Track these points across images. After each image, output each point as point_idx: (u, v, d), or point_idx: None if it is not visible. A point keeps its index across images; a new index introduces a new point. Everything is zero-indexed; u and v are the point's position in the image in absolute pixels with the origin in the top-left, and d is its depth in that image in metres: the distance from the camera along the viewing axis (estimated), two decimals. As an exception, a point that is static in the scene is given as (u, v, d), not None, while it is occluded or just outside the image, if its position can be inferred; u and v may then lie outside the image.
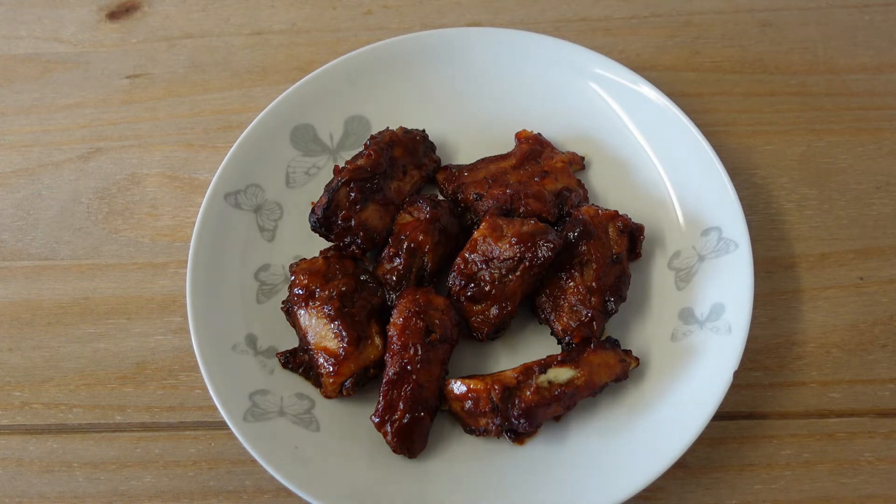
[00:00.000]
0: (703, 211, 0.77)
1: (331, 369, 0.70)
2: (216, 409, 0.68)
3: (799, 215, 0.83)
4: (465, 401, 0.68)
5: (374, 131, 0.82)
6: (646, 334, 0.75)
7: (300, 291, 0.72)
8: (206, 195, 0.76)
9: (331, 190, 0.74)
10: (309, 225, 0.75)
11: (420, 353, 0.68)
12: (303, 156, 0.83)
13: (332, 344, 0.70)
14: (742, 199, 0.76)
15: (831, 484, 0.71)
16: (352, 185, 0.74)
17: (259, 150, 0.80)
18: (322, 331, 0.71)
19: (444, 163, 0.83)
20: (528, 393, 0.67)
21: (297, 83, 0.82)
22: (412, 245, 0.74)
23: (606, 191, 0.82)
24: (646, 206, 0.79)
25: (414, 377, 0.68)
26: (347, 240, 0.74)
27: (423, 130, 0.82)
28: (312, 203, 0.77)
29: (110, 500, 0.72)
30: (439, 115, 0.85)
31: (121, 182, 0.87)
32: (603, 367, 0.69)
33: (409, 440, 0.68)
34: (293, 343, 0.74)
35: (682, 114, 0.79)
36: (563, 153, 0.81)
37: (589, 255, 0.73)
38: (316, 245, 0.77)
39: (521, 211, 0.76)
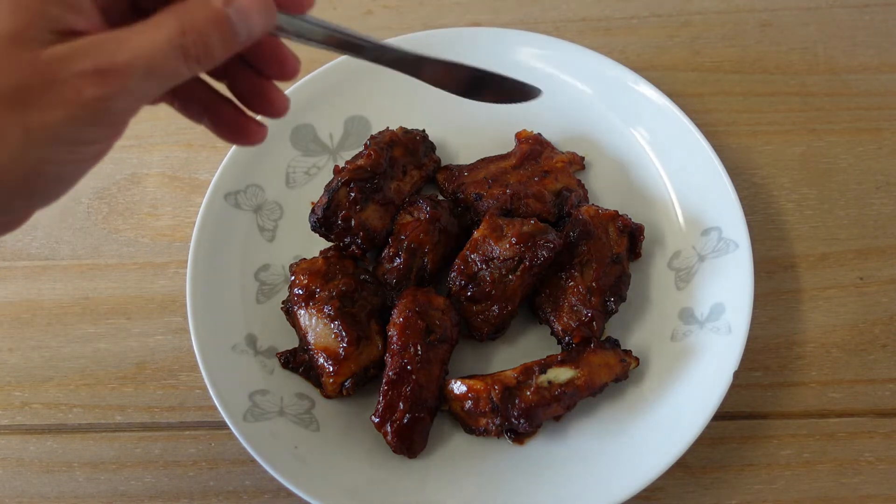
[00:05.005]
0: (703, 211, 0.77)
1: (331, 369, 0.70)
2: (216, 409, 0.68)
3: (799, 215, 0.83)
4: (465, 401, 0.68)
5: (374, 131, 0.82)
6: (646, 334, 0.75)
7: (300, 291, 0.72)
8: (206, 195, 0.76)
9: (331, 190, 0.74)
10: (309, 225, 0.75)
11: (420, 353, 0.68)
12: (303, 156, 0.83)
13: (332, 344, 0.70)
14: (742, 199, 0.75)
15: (831, 484, 0.71)
16: (352, 185, 0.74)
17: (259, 150, 0.80)
18: (322, 331, 0.71)
19: (444, 163, 0.83)
20: (528, 393, 0.67)
21: (297, 83, 0.82)
22: (412, 245, 0.74)
23: (606, 191, 0.82)
24: (646, 206, 0.79)
25: (414, 377, 0.68)
26: (347, 240, 0.74)
27: (423, 130, 0.82)
28: (312, 203, 0.77)
29: (110, 500, 0.72)
30: (439, 115, 0.85)
31: (121, 182, 0.87)
32: (603, 367, 0.69)
33: (409, 440, 0.68)
34: (293, 343, 0.74)
35: (682, 114, 0.79)
36: (563, 153, 0.81)
37: (589, 255, 0.73)
38: (316, 245, 0.77)
39: (521, 211, 0.76)
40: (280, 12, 0.48)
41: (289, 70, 0.52)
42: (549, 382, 0.68)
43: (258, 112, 0.53)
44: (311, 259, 0.75)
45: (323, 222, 0.74)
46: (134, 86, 0.41)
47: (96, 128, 0.42)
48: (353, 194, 0.74)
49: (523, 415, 0.67)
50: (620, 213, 0.75)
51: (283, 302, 0.75)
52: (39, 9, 0.40)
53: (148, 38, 0.42)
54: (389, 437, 0.68)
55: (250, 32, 0.46)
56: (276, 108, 0.53)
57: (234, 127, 0.53)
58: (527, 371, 0.68)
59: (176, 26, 0.42)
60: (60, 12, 0.41)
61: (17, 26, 0.40)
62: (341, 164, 0.78)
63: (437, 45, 0.85)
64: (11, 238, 0.85)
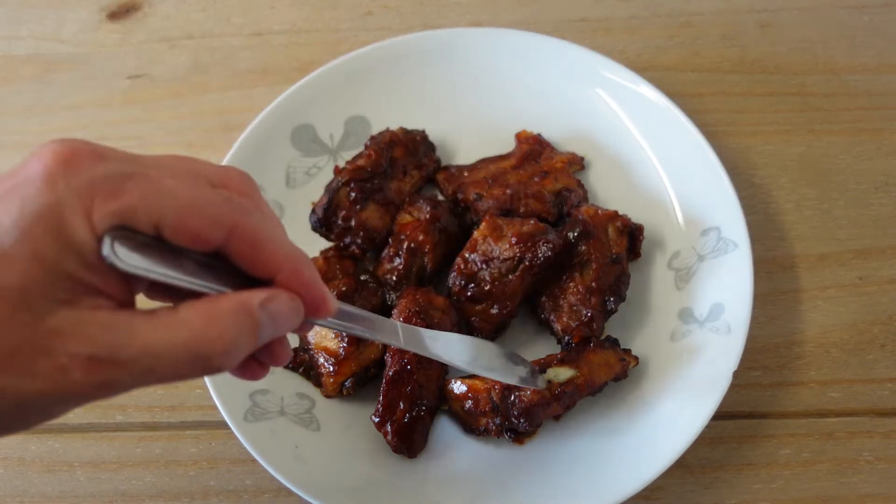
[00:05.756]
0: (702, 211, 0.77)
1: (331, 369, 0.70)
2: (216, 408, 0.68)
3: (799, 215, 0.83)
4: (465, 401, 0.68)
5: (374, 131, 0.83)
6: (645, 334, 0.75)
7: (300, 291, 0.72)
8: (207, 195, 0.76)
9: (331, 190, 0.75)
10: (309, 225, 0.75)
11: (420, 352, 0.68)
12: (303, 156, 0.83)
13: (333, 344, 0.70)
14: (742, 199, 0.75)
15: (830, 483, 0.71)
16: (352, 185, 0.74)
17: (259, 150, 0.80)
18: (322, 331, 0.71)
19: (444, 163, 0.83)
20: (528, 392, 0.67)
21: (298, 83, 0.83)
22: (412, 245, 0.74)
23: (606, 191, 0.82)
24: (645, 206, 0.79)
25: (414, 377, 0.68)
26: (347, 240, 0.75)
27: (423, 130, 0.82)
28: (313, 203, 0.77)
29: (111, 499, 0.72)
30: (439, 115, 0.85)
31: (121, 182, 0.87)
32: (603, 367, 0.69)
33: (409, 440, 0.68)
34: (293, 343, 0.74)
35: (682, 114, 0.79)
36: (562, 153, 0.82)
37: (589, 255, 0.73)
38: (316, 245, 0.77)
39: (521, 211, 0.76)
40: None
41: (278, 361, 0.49)
42: (549, 382, 0.68)
43: (258, 359, 0.49)
44: (312, 259, 0.75)
45: (323, 222, 0.74)
46: (126, 381, 0.39)
47: (70, 405, 0.40)
48: (353, 194, 0.74)
49: (523, 414, 0.67)
50: (620, 213, 0.75)
51: (283, 302, 0.75)
52: (56, 263, 0.37)
53: (164, 336, 0.39)
54: (389, 437, 0.68)
55: (273, 336, 0.44)
56: (278, 359, 0.49)
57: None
58: (526, 371, 0.68)
59: (201, 329, 0.39)
60: (79, 269, 0.38)
61: (27, 281, 0.37)
62: (341, 164, 0.78)
63: (438, 45, 0.85)
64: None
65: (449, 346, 0.60)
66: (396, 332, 0.55)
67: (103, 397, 0.40)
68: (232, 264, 0.43)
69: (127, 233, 0.39)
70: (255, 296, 0.41)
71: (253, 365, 0.48)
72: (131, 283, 0.41)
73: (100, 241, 0.38)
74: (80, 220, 0.37)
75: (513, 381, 0.65)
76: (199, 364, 0.40)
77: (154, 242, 0.40)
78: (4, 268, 0.36)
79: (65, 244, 0.37)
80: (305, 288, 0.44)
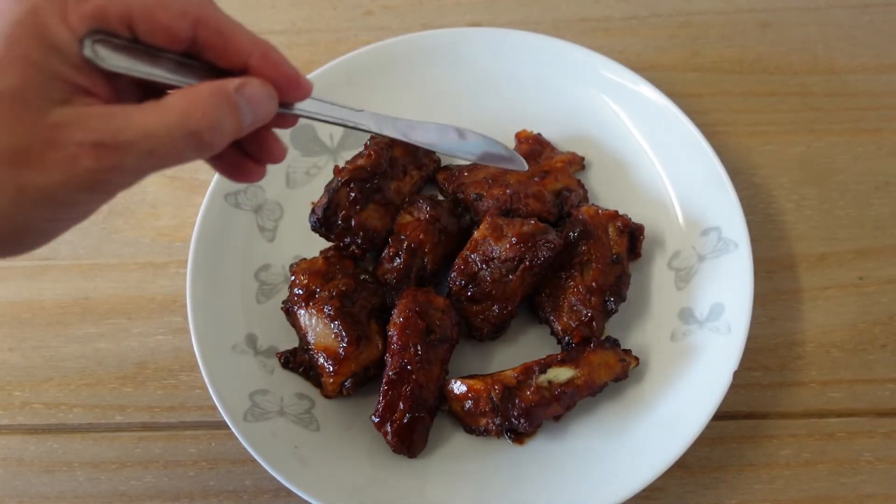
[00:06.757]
0: (702, 211, 0.77)
1: (331, 369, 0.70)
2: (216, 408, 0.68)
3: (799, 215, 0.83)
4: (465, 401, 0.68)
5: (374, 131, 0.82)
6: (646, 334, 0.75)
7: (300, 291, 0.72)
8: (207, 195, 0.77)
9: (331, 190, 0.74)
10: (309, 225, 0.75)
11: (420, 352, 0.68)
12: (303, 156, 0.83)
13: (332, 344, 0.70)
14: (742, 199, 0.76)
15: (831, 483, 0.71)
16: (352, 185, 0.74)
17: (259, 150, 0.80)
18: (322, 331, 0.71)
19: (444, 163, 0.83)
20: (528, 393, 0.67)
21: (298, 83, 0.82)
22: (412, 245, 0.74)
23: (606, 191, 0.82)
24: (645, 206, 0.79)
25: (414, 377, 0.68)
26: (347, 240, 0.75)
27: (424, 131, 0.82)
28: (312, 203, 0.77)
29: (110, 499, 0.72)
30: (439, 115, 0.84)
31: (121, 182, 0.87)
32: (603, 367, 0.69)
33: (409, 440, 0.68)
34: (293, 343, 0.74)
35: (682, 114, 0.79)
36: (563, 153, 0.82)
37: (589, 255, 0.73)
38: (316, 245, 0.77)
39: (521, 211, 0.76)
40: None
41: (274, 157, 0.53)
42: (549, 382, 0.68)
43: (256, 158, 0.53)
44: (311, 259, 0.75)
45: (323, 222, 0.74)
46: (132, 164, 0.42)
47: (88, 194, 0.42)
48: (353, 194, 0.74)
49: (523, 414, 0.67)
50: (620, 213, 0.75)
51: (283, 302, 0.75)
52: (46, 65, 0.40)
53: (156, 119, 0.42)
54: (389, 437, 0.68)
55: (254, 120, 0.47)
56: (273, 155, 0.53)
57: (232, 166, 0.53)
58: (527, 371, 0.68)
59: (186, 109, 0.43)
60: (67, 70, 0.41)
61: (23, 83, 0.40)
62: (341, 164, 0.78)
63: (437, 45, 0.85)
64: (12, 238, 0.85)
65: (427, 133, 0.61)
66: (370, 119, 0.57)
67: (118, 184, 0.43)
68: (206, 63, 0.47)
69: (106, 37, 0.43)
70: (230, 82, 0.45)
71: (249, 164, 0.52)
72: (116, 87, 0.44)
73: (81, 43, 0.41)
74: (58, 22, 0.40)
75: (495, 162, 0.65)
76: (193, 140, 0.43)
77: (132, 45, 0.44)
78: (0, 73, 0.39)
79: (49, 46, 0.40)
80: (277, 69, 0.48)
